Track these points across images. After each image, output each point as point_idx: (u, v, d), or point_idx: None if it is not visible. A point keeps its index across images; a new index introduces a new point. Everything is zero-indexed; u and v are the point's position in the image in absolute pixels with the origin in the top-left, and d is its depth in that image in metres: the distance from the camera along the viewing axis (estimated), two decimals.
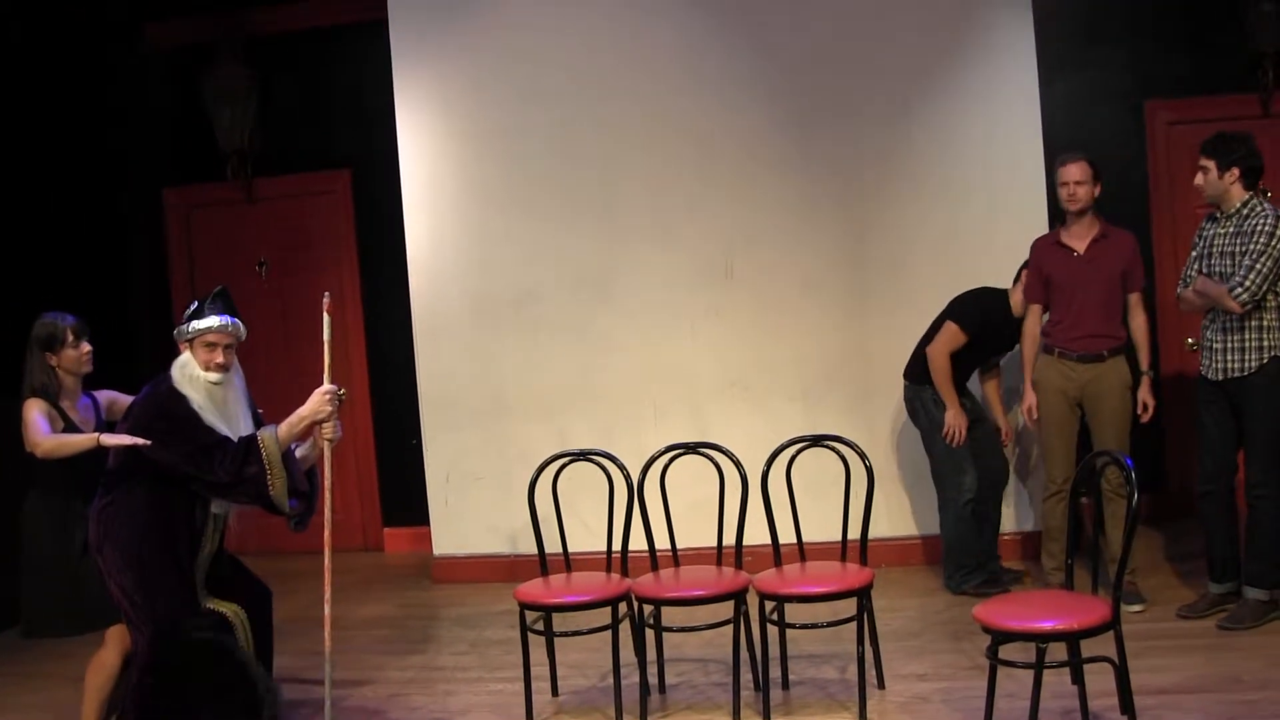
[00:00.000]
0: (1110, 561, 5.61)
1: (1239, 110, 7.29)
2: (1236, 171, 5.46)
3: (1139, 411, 5.99)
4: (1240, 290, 5.34)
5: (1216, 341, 5.56)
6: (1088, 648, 4.17)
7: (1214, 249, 5.56)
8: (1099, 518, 5.99)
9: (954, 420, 6.34)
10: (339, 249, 8.62)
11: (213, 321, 4.67)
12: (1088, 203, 5.94)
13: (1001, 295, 6.43)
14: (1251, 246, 5.37)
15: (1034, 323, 6.19)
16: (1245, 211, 5.48)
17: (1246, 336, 5.45)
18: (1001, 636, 4.16)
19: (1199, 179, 5.58)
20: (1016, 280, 6.37)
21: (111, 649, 4.98)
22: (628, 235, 7.33)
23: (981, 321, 6.35)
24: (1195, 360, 7.26)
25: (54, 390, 4.97)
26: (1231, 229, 5.50)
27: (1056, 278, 6.01)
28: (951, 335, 6.36)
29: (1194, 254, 5.70)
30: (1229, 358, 5.50)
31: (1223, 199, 5.53)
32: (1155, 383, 6.21)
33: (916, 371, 6.55)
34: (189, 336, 4.67)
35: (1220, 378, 5.55)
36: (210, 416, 4.60)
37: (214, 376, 4.67)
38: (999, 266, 6.67)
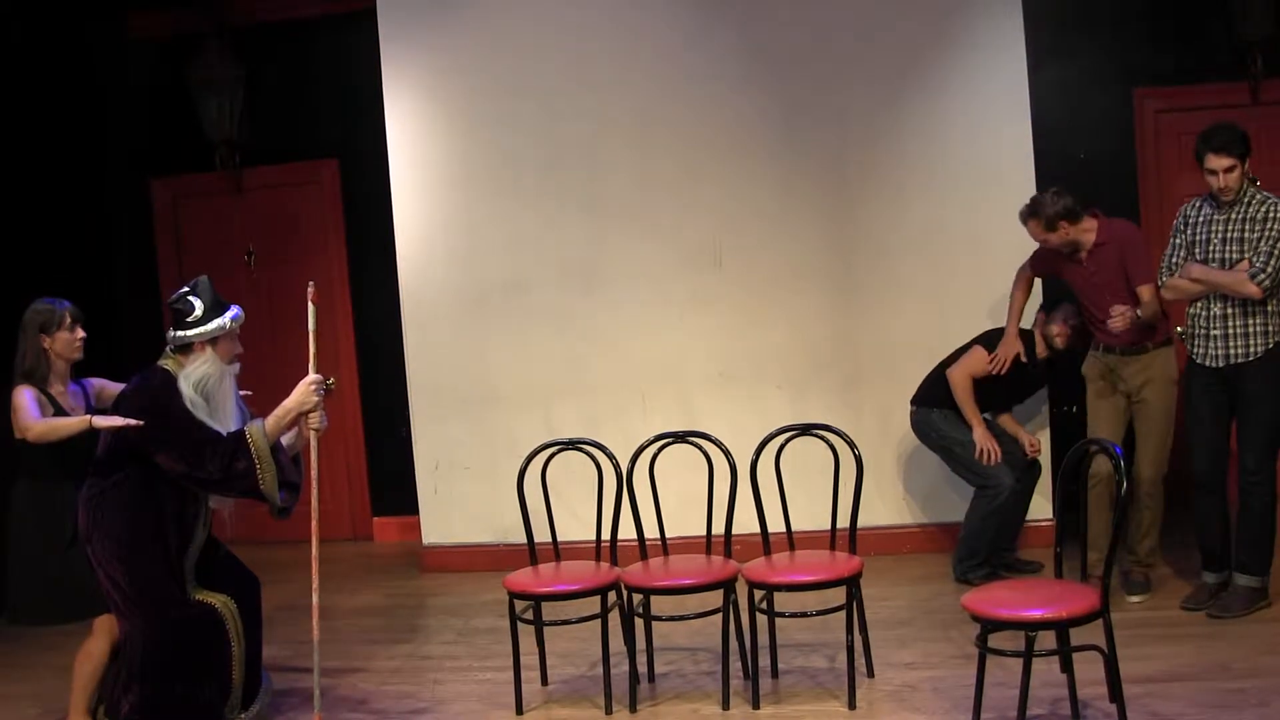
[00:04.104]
0: (1126, 551, 5.68)
1: (1228, 98, 7.28)
2: (1249, 160, 5.43)
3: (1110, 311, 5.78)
4: (1263, 276, 5.29)
5: (1215, 328, 5.50)
6: (1077, 636, 4.18)
7: (1214, 236, 5.49)
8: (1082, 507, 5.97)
9: (982, 440, 6.32)
10: (327, 239, 8.60)
11: (236, 313, 4.73)
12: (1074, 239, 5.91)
13: (1029, 336, 6.43)
14: (1267, 232, 5.32)
15: (1026, 280, 6.28)
16: (1246, 199, 5.43)
17: (1251, 322, 5.41)
18: (991, 625, 4.16)
19: (1223, 180, 5.37)
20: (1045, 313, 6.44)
21: (100, 638, 4.97)
22: (616, 225, 7.31)
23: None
24: (1184, 350, 7.27)
25: (44, 374, 4.95)
26: (1236, 216, 5.44)
27: (1067, 278, 6.04)
28: (977, 360, 6.37)
29: (1177, 241, 5.63)
30: (1231, 344, 5.46)
31: (1239, 190, 5.45)
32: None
33: (925, 395, 6.55)
34: (213, 336, 4.66)
35: (1222, 364, 5.50)
36: (201, 414, 4.59)
37: (236, 367, 4.76)
38: (987, 256, 6.68)
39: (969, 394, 6.37)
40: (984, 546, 6.39)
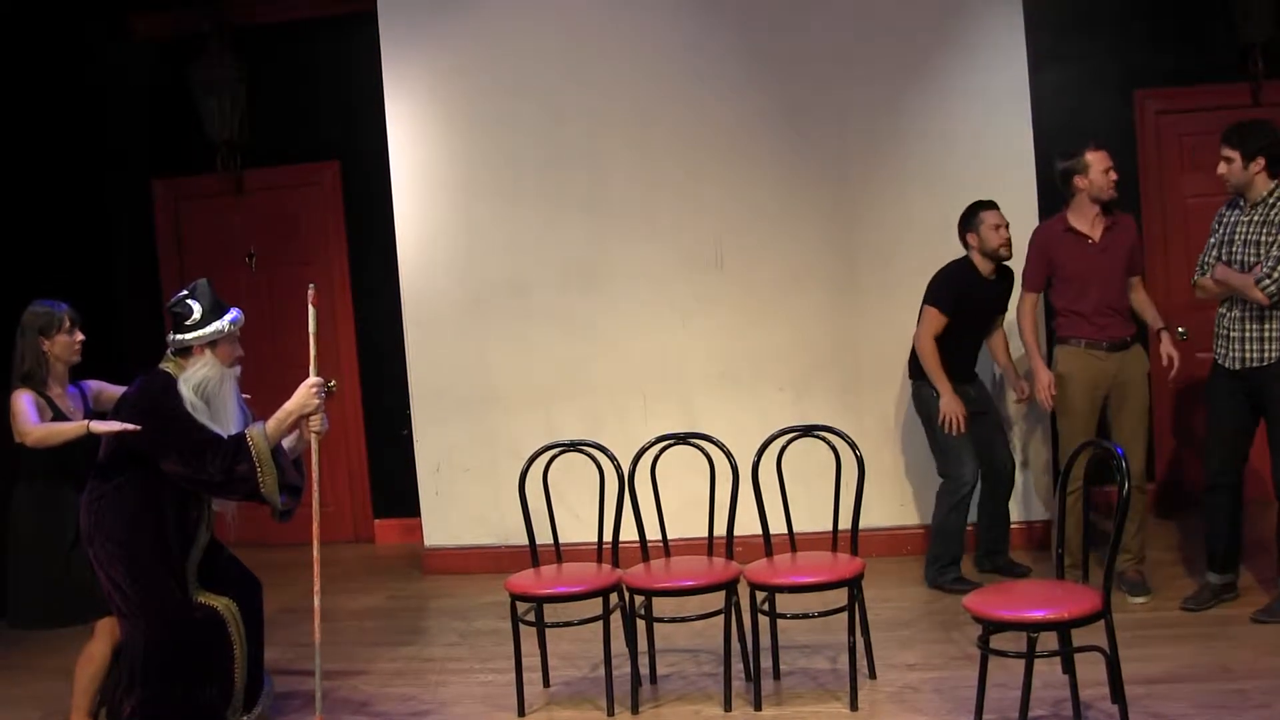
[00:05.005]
0: (1121, 550, 5.62)
1: (1229, 100, 7.28)
2: (1262, 161, 5.34)
3: (1165, 365, 5.87)
4: (1269, 282, 5.25)
5: (1235, 330, 5.46)
6: (1079, 637, 4.18)
7: (1236, 237, 5.45)
8: (1085, 508, 5.97)
9: (948, 407, 6.25)
10: (328, 240, 8.60)
11: (235, 316, 4.73)
12: None
13: (962, 261, 6.37)
14: None
15: (1032, 309, 6.13)
16: (1271, 200, 5.37)
17: (1267, 326, 5.36)
18: (992, 626, 4.16)
19: (1222, 168, 5.43)
20: (968, 229, 6.32)
21: (101, 641, 4.97)
22: (618, 226, 7.31)
23: (956, 296, 6.28)
24: (1187, 350, 7.27)
25: (43, 377, 4.95)
26: (1257, 218, 5.39)
27: (1069, 266, 5.92)
28: (931, 319, 6.30)
29: (1212, 240, 5.60)
30: (1248, 347, 5.42)
31: (1247, 188, 5.41)
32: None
33: (915, 369, 6.51)
34: (212, 339, 4.65)
35: (1238, 367, 5.47)
36: (202, 417, 4.59)
37: (237, 369, 4.76)
38: None
39: (934, 358, 6.28)
40: (951, 549, 6.37)
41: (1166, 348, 5.92)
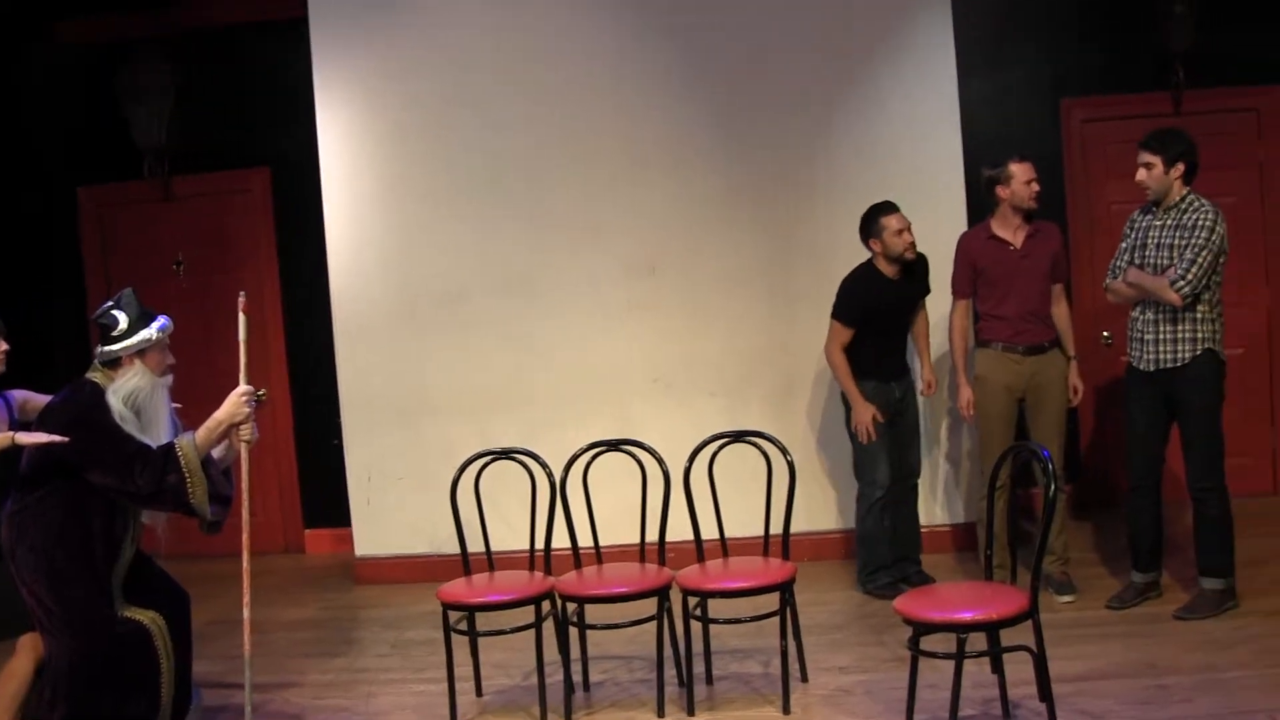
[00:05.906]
0: (1047, 553, 5.69)
1: (1151, 108, 7.42)
2: (1181, 167, 5.46)
3: (1070, 396, 6.07)
4: (1182, 283, 5.35)
5: (1148, 333, 5.57)
6: (1007, 637, 4.22)
7: (1149, 241, 5.57)
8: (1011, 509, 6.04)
9: (858, 417, 6.29)
10: (258, 248, 8.51)
11: (164, 323, 4.65)
12: None
13: (865, 268, 6.37)
14: (1193, 240, 5.38)
15: (962, 316, 6.21)
16: (1184, 205, 5.48)
17: (1180, 328, 5.47)
18: (922, 628, 4.20)
19: (1141, 174, 5.54)
20: (870, 235, 6.33)
21: (24, 657, 4.87)
22: (551, 233, 7.30)
23: (859, 306, 6.29)
24: (1111, 354, 7.40)
25: None
26: (1170, 222, 5.50)
27: (992, 272, 6.03)
28: (835, 332, 6.33)
29: (1124, 245, 5.72)
30: (1161, 349, 5.53)
31: (1165, 194, 5.52)
32: None
33: None
34: (140, 348, 4.58)
35: (1152, 369, 5.57)
36: (130, 428, 4.52)
37: (169, 378, 4.69)
38: None
39: (843, 370, 6.29)
40: (878, 554, 6.38)
41: (1073, 379, 6.09)
